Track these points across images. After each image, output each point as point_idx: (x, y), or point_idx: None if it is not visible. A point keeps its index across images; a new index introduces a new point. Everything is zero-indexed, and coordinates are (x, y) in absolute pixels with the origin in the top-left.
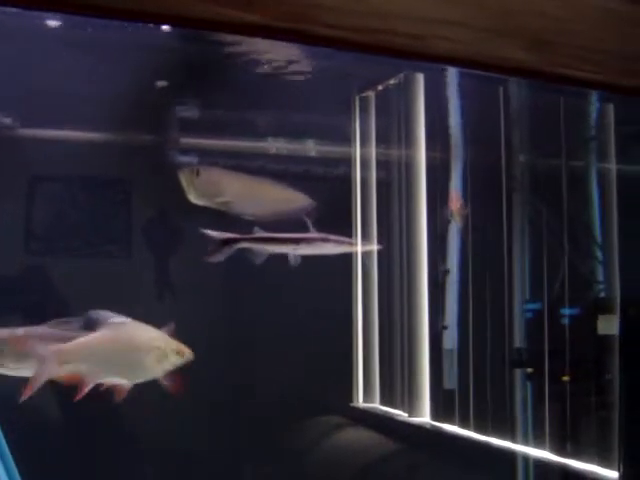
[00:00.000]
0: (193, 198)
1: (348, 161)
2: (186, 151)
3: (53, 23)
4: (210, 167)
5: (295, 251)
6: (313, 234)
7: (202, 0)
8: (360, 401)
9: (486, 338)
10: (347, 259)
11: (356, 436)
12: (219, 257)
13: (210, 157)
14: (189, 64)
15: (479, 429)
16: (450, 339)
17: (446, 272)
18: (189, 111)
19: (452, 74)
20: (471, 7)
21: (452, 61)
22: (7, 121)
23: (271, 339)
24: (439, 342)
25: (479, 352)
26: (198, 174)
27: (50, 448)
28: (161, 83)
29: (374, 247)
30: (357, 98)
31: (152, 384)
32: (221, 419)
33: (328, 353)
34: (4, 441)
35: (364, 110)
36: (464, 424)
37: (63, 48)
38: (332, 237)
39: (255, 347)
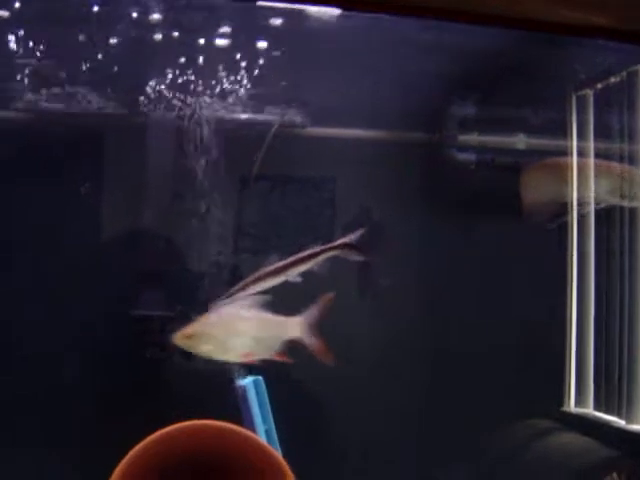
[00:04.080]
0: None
1: None
2: (463, 148)
3: (350, 22)
4: None
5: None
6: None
7: (553, 4)
8: (572, 406)
9: None
10: (561, 254)
11: (567, 441)
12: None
13: (486, 154)
14: (472, 61)
15: None
16: None
17: None
18: (466, 108)
19: None
20: None
21: None
22: (298, 119)
23: (480, 339)
24: None
25: None
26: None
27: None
28: (444, 81)
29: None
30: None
31: None
32: (427, 418)
33: (539, 354)
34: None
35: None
36: None
37: (352, 47)
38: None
39: (464, 345)
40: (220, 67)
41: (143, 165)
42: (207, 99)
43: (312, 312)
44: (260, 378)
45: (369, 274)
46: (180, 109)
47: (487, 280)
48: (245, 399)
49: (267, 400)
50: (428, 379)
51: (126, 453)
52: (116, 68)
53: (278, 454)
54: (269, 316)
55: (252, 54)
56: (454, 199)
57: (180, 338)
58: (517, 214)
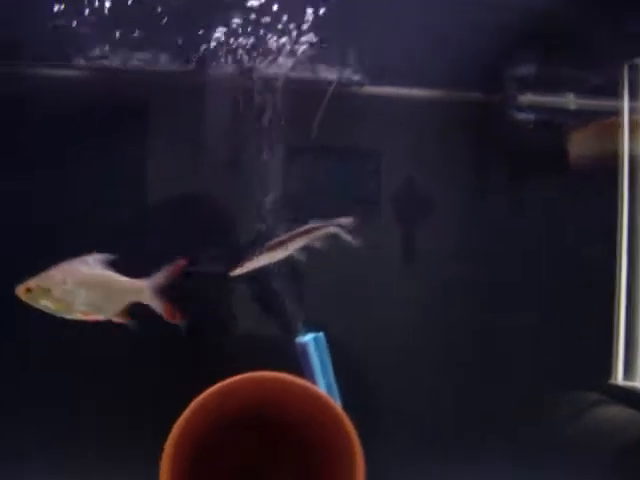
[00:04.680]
0: None
1: None
2: (522, 109)
3: None
4: None
5: None
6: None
7: None
8: (619, 378)
9: None
10: (611, 225)
11: (614, 413)
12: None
13: (545, 114)
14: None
15: None
16: None
17: None
18: (526, 67)
19: None
20: None
21: None
22: (357, 78)
23: (530, 310)
24: None
25: None
26: None
27: None
28: (506, 40)
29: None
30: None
31: None
32: (475, 389)
33: (587, 326)
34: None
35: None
36: None
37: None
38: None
39: (513, 316)
40: (276, 23)
41: (195, 125)
42: (263, 57)
43: (158, 276)
44: (321, 334)
45: (413, 242)
46: (236, 67)
47: (536, 248)
48: (306, 356)
49: (328, 357)
50: (477, 349)
51: (187, 406)
52: (175, 25)
53: (338, 406)
54: (113, 277)
55: (310, 9)
56: (514, 159)
57: (20, 291)
58: (571, 175)
